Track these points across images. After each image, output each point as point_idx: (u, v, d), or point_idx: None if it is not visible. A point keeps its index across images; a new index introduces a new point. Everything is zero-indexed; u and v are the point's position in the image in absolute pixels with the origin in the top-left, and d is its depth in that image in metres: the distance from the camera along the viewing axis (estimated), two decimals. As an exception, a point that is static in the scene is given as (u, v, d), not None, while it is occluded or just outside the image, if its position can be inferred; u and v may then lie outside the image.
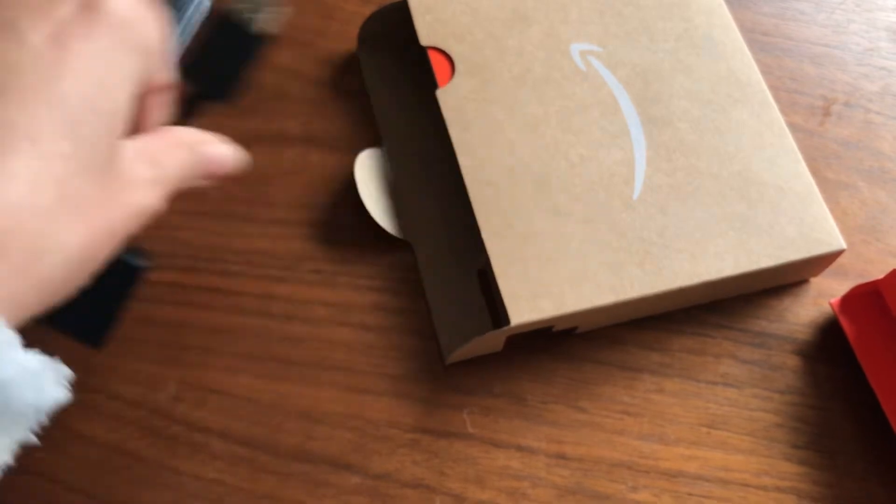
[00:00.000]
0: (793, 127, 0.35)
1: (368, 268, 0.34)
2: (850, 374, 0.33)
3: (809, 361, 0.33)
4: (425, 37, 0.35)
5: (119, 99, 0.21)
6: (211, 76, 0.27)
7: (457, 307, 0.33)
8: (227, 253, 0.34)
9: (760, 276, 0.31)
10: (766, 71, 0.38)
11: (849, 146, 0.38)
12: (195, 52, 0.27)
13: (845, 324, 0.32)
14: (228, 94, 0.28)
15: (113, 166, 0.21)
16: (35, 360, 0.19)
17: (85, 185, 0.20)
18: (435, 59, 0.34)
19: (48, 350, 0.19)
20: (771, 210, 0.32)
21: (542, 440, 0.31)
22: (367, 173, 0.34)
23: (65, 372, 0.20)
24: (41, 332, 0.20)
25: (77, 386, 0.30)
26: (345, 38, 0.39)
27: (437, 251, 0.34)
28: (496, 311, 0.32)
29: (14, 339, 0.18)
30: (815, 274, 0.35)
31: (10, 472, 0.29)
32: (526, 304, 0.29)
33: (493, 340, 0.30)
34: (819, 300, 0.34)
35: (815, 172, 0.34)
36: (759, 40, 0.41)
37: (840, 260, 0.34)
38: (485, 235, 0.30)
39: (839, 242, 0.31)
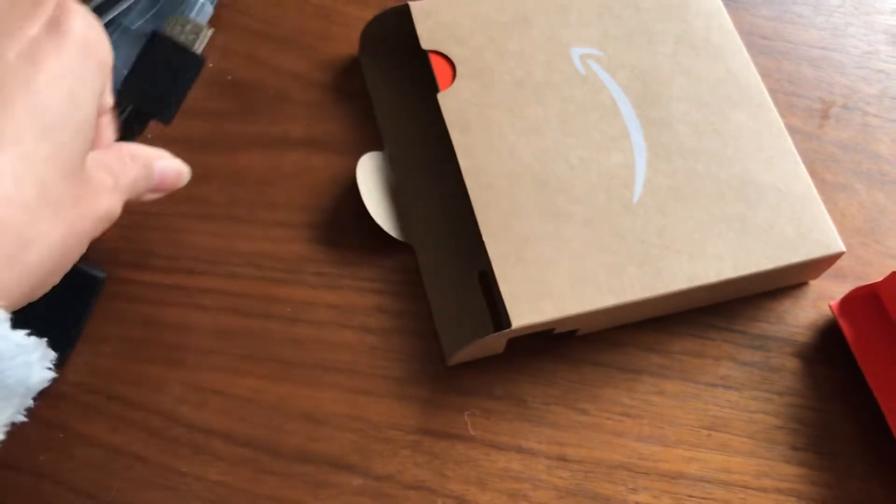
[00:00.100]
0: (791, 129, 0.35)
1: (370, 270, 0.34)
2: (850, 376, 0.33)
3: (809, 363, 0.33)
4: (426, 40, 0.35)
5: (88, 110, 0.22)
6: (152, 96, 0.29)
7: (458, 309, 0.33)
8: (230, 255, 0.34)
9: (760, 278, 0.31)
10: (765, 73, 0.38)
11: (847, 149, 0.38)
12: (137, 73, 0.29)
13: (844, 326, 0.33)
14: (169, 113, 0.29)
15: (83, 172, 0.22)
16: (26, 338, 0.20)
17: (62, 186, 0.21)
18: (436, 62, 0.35)
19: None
20: (770, 212, 0.32)
21: (542, 442, 0.31)
22: (368, 176, 0.34)
23: (50, 354, 0.21)
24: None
25: (79, 387, 0.31)
26: (346, 42, 0.39)
27: (439, 253, 0.34)
28: (497, 313, 0.32)
29: (5, 317, 0.19)
30: (815, 276, 0.35)
31: (12, 472, 0.29)
32: (527, 307, 0.29)
33: (494, 342, 0.30)
34: (818, 302, 0.34)
35: (813, 175, 0.34)
36: (758, 43, 0.41)
37: (839, 262, 0.34)
38: (486, 238, 0.30)
39: (838, 245, 0.32)
